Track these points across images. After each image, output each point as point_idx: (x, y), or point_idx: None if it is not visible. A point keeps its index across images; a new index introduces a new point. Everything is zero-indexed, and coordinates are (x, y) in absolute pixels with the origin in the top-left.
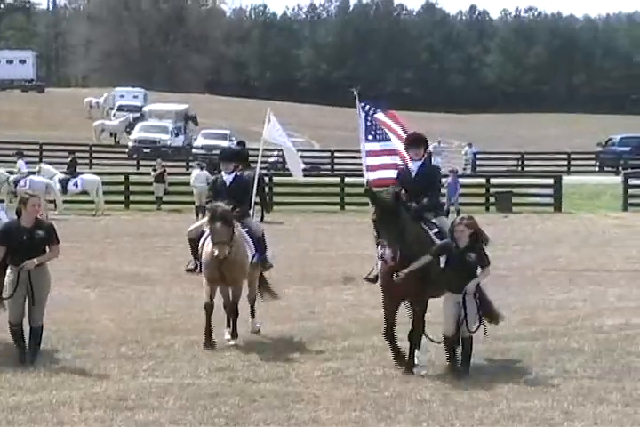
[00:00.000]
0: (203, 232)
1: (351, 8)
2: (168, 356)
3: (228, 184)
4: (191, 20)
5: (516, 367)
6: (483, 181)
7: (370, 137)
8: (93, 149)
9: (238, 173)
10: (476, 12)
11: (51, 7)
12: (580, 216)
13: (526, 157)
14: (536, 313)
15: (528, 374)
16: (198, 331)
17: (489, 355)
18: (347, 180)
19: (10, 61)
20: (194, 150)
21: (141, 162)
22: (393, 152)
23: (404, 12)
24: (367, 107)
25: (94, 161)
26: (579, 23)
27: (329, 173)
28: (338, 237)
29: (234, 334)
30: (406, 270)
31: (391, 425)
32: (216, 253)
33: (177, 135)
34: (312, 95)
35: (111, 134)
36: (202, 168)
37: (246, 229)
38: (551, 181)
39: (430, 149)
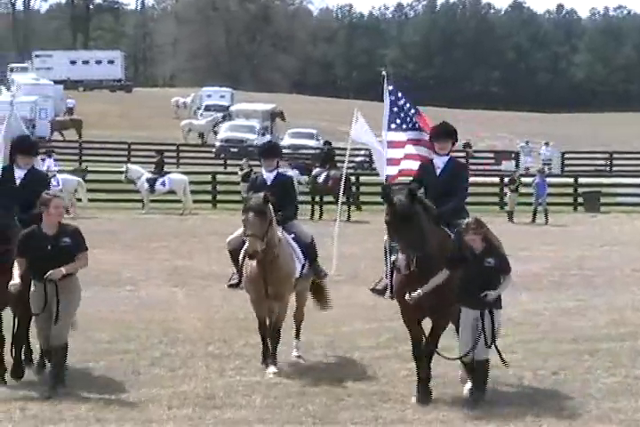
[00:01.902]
0: (244, 242)
1: (438, 7)
2: (255, 355)
3: (269, 183)
4: (278, 19)
5: (604, 368)
6: (570, 180)
7: (393, 125)
8: (181, 148)
9: (280, 171)
10: (564, 11)
11: (139, 7)
12: None
13: (615, 156)
14: (625, 314)
15: (617, 374)
16: (285, 330)
17: (576, 356)
18: None
19: (98, 62)
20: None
21: (228, 161)
22: (419, 142)
23: (492, 10)
24: (396, 91)
25: (182, 160)
26: None
27: None
28: None
29: (271, 361)
30: (421, 291)
31: (478, 425)
32: (246, 246)
33: (264, 135)
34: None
35: (199, 134)
36: (292, 167)
37: (292, 235)
38: None
39: (518, 148)
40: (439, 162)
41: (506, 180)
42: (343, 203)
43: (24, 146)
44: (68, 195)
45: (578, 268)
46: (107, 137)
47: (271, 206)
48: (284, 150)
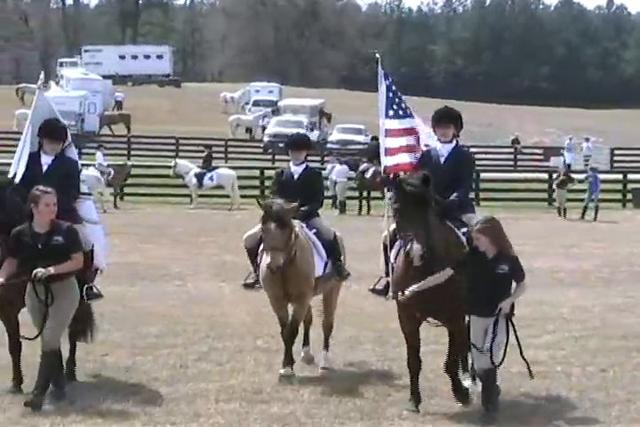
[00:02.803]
0: (262, 239)
1: (487, 2)
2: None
3: (296, 177)
4: (326, 15)
5: None
6: (620, 176)
7: (391, 112)
8: (229, 143)
9: (309, 165)
10: (614, 7)
11: (188, 2)
12: None
13: None
14: None
15: None
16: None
17: (625, 352)
18: (482, 175)
19: (147, 56)
20: (328, 145)
21: (276, 156)
22: (412, 131)
23: (541, 6)
24: (388, 77)
25: (230, 155)
26: None
27: None
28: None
29: (289, 362)
30: (415, 287)
31: (526, 422)
32: (269, 261)
33: (312, 130)
34: (447, 90)
35: (247, 129)
36: (341, 163)
37: (314, 231)
38: None
39: (565, 144)
40: (444, 150)
41: (554, 176)
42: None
43: (49, 129)
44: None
45: (627, 264)
46: (155, 132)
47: (293, 214)
48: (333, 146)
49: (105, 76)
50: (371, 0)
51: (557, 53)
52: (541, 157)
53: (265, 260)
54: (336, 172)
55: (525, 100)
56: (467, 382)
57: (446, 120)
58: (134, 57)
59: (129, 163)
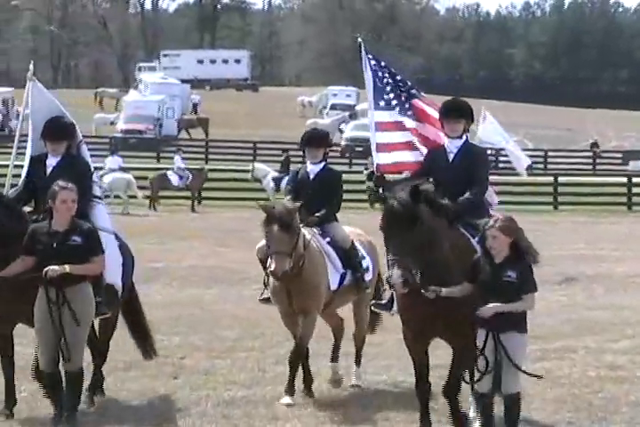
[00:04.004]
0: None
1: (566, 6)
2: (379, 354)
3: (312, 177)
4: (404, 19)
5: None
6: None
7: (382, 103)
8: None
9: (328, 164)
10: None
11: (266, 7)
12: None
13: None
14: None
15: None
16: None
17: None
18: (560, 179)
19: (225, 61)
20: None
21: (354, 160)
22: (403, 126)
23: (620, 9)
24: (378, 62)
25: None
26: None
27: (542, 172)
28: (550, 237)
29: (290, 390)
30: (445, 290)
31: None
32: (272, 267)
33: None
34: (525, 94)
35: None
36: None
37: (328, 239)
38: None
39: None
40: (452, 146)
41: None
42: None
43: (48, 130)
44: (122, 194)
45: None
46: (233, 136)
47: (297, 215)
48: None
49: (183, 81)
50: (449, 4)
51: (637, 57)
52: (620, 161)
53: (270, 266)
54: None
55: (604, 104)
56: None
57: (456, 113)
58: (212, 61)
59: (206, 167)
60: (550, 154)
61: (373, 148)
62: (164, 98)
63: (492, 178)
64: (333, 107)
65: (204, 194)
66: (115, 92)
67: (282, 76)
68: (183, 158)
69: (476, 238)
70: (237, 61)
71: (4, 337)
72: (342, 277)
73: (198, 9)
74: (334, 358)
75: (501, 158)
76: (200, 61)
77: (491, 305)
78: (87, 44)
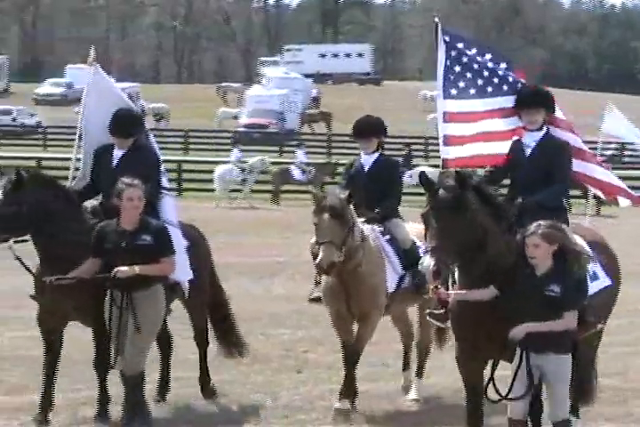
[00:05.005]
0: None
1: None
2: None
3: (366, 169)
4: (528, 11)
5: None
6: None
7: (454, 90)
8: (429, 142)
9: (383, 154)
10: None
11: (388, 0)
12: None
13: None
14: None
15: None
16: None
17: None
18: None
19: (347, 55)
20: None
21: None
22: (479, 116)
23: None
24: (458, 43)
25: (430, 154)
26: None
27: None
28: None
29: (345, 392)
30: (466, 293)
31: None
32: (319, 258)
33: None
34: None
35: None
36: None
37: (387, 237)
38: None
39: None
40: (529, 139)
41: None
42: (594, 197)
43: (112, 124)
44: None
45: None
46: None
47: (352, 206)
48: None
49: (306, 75)
50: None
51: None
52: None
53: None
54: None
55: None
56: None
57: (534, 103)
58: (335, 55)
59: (333, 160)
60: None
61: (441, 141)
62: (286, 92)
63: (616, 172)
64: None
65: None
66: (238, 87)
67: (405, 70)
68: (306, 153)
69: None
70: (360, 55)
71: (54, 332)
72: (401, 280)
73: (320, 4)
74: (405, 366)
75: (626, 153)
76: (322, 56)
77: (524, 325)
78: (210, 39)
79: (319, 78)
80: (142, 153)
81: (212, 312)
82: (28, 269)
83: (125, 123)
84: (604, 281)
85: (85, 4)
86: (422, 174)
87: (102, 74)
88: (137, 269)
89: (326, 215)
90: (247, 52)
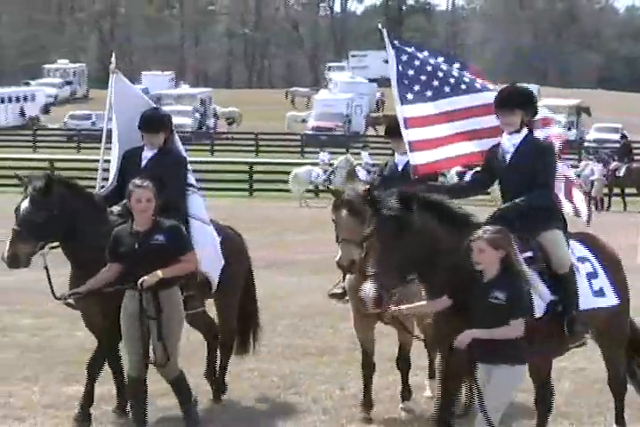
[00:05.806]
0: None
1: None
2: None
3: (400, 169)
4: (584, 17)
5: None
6: None
7: (410, 95)
8: None
9: None
10: None
11: (449, 8)
12: None
13: None
14: None
15: None
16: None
17: None
18: None
19: None
20: (586, 144)
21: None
22: (441, 118)
23: None
24: (406, 48)
25: None
26: None
27: None
28: None
29: (366, 403)
30: (416, 305)
31: None
32: (338, 256)
33: (569, 129)
34: None
35: None
36: (599, 161)
37: None
38: None
39: None
40: (508, 143)
41: None
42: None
43: (143, 122)
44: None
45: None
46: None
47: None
48: (590, 144)
49: (371, 80)
50: (629, 2)
51: None
52: None
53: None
54: (597, 171)
55: None
56: None
57: (507, 104)
58: None
59: None
60: None
61: (407, 148)
62: (352, 96)
63: None
64: None
65: None
66: (306, 91)
67: None
68: (370, 154)
69: (526, 254)
70: None
71: (97, 327)
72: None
73: (385, 11)
74: (432, 374)
75: None
76: (386, 61)
77: (469, 331)
78: (279, 45)
79: (383, 82)
80: (171, 155)
81: (240, 308)
82: (50, 281)
83: (153, 119)
84: (609, 299)
85: (160, 12)
86: (370, 193)
87: (125, 81)
88: (160, 273)
89: (344, 212)
90: (314, 57)
